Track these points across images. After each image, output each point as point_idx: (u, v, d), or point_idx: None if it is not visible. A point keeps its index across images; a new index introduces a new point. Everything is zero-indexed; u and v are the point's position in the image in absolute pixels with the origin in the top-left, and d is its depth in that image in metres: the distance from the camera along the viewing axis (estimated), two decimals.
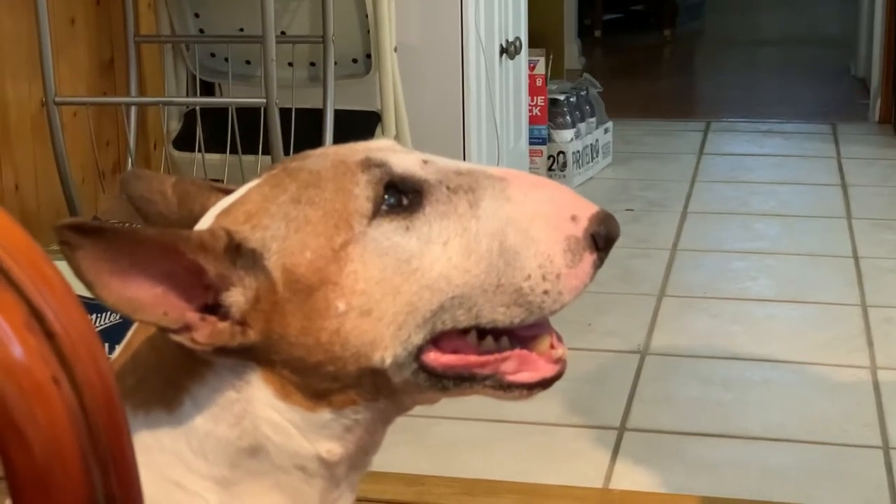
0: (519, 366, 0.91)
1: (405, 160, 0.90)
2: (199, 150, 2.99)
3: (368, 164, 0.89)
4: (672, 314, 3.03)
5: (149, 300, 0.83)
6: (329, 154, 0.91)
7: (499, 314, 0.88)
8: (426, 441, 2.36)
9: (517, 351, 0.91)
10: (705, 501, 2.16)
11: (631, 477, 2.25)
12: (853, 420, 2.46)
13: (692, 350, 2.82)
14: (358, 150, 0.91)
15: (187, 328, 0.85)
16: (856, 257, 3.42)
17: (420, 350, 0.88)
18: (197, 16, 3.11)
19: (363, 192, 0.87)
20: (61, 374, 0.60)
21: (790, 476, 2.25)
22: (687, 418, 2.49)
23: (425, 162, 0.91)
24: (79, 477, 0.61)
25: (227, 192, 0.95)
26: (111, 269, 0.81)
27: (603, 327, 2.92)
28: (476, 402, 2.71)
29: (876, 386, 2.61)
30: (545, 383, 0.92)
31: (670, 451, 2.36)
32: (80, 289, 0.68)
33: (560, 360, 0.92)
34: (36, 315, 0.60)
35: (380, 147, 0.93)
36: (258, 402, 0.88)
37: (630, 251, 3.41)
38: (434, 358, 0.88)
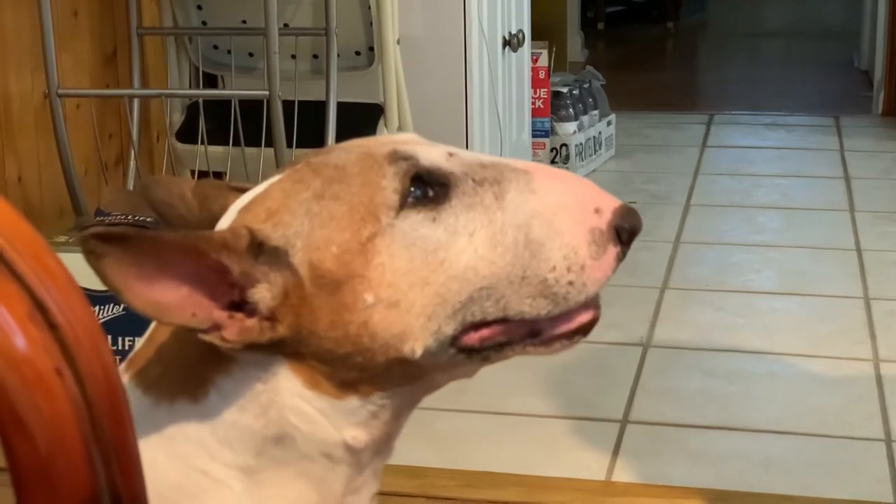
0: (554, 319, 0.91)
1: (432, 153, 0.91)
2: (202, 143, 2.99)
3: (396, 156, 0.89)
4: (675, 307, 3.03)
5: (176, 302, 0.84)
6: (354, 148, 0.92)
7: (525, 306, 0.88)
8: (429, 433, 2.36)
9: None
10: (708, 494, 2.16)
11: (633, 469, 2.25)
12: (856, 413, 2.46)
13: (695, 343, 2.82)
14: (384, 143, 0.92)
15: (216, 327, 0.85)
16: (859, 250, 3.41)
17: (454, 339, 0.88)
18: (199, 8, 3.11)
19: (390, 185, 0.88)
20: (64, 366, 0.60)
21: (793, 468, 2.25)
22: (689, 411, 2.49)
23: (451, 155, 0.91)
24: (82, 468, 0.61)
25: (246, 191, 0.95)
26: (137, 275, 0.81)
27: (605, 320, 2.87)
28: (479, 395, 2.70)
29: (878, 379, 2.61)
30: (584, 329, 0.93)
31: (673, 443, 2.36)
32: (82, 280, 0.68)
33: (594, 304, 0.92)
34: (39, 307, 0.60)
35: (406, 140, 0.93)
36: (285, 392, 0.88)
37: (633, 244, 3.40)
38: (469, 337, 0.89)
